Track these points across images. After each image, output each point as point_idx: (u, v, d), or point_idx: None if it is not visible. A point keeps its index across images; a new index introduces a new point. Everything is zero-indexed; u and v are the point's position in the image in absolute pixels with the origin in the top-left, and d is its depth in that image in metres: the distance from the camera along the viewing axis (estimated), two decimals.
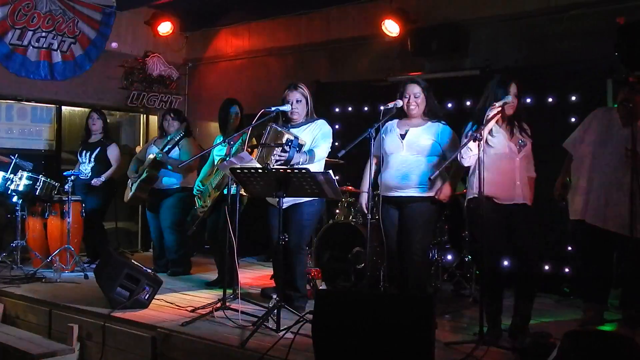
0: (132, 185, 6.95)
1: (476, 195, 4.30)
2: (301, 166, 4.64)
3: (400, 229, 4.81)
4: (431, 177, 4.38)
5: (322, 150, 5.09)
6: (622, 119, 4.79)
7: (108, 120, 7.83)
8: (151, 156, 6.75)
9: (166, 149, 6.71)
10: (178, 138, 6.67)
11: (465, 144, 4.31)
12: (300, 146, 4.93)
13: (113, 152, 7.48)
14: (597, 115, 5.02)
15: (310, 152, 5.00)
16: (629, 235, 4.48)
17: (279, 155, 4.85)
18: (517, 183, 4.38)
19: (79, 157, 7.49)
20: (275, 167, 4.69)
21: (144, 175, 6.75)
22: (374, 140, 4.57)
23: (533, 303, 4.48)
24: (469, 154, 4.34)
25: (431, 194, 4.73)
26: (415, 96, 4.78)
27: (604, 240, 4.84)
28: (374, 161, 4.85)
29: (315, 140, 5.08)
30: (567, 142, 5.10)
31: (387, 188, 4.81)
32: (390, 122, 4.89)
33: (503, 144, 4.40)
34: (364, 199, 5.00)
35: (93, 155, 7.38)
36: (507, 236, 4.42)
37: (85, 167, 7.38)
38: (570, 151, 5.06)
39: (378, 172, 4.86)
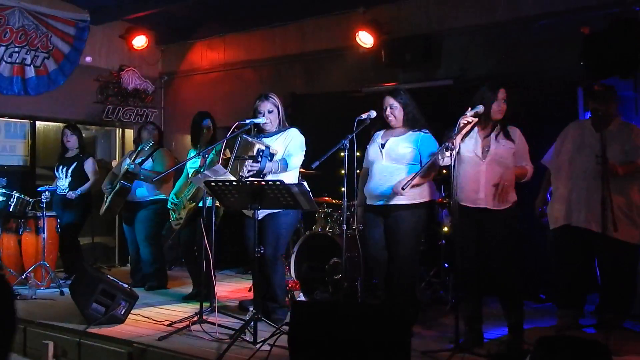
0: (106, 198, 6.91)
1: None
2: (275, 178, 4.65)
3: (386, 238, 4.88)
4: (403, 188, 4.41)
5: (296, 159, 5.11)
6: (594, 126, 4.94)
7: (84, 135, 7.79)
8: (124, 168, 6.73)
9: (139, 160, 6.69)
10: (148, 148, 6.66)
11: (437, 153, 4.38)
12: (272, 155, 4.95)
13: (90, 166, 7.43)
14: (571, 127, 5.20)
15: (284, 160, 5.02)
16: (609, 237, 4.57)
17: (250, 166, 4.85)
18: (480, 188, 4.40)
19: (55, 173, 7.43)
20: (250, 179, 4.69)
21: (117, 187, 6.71)
22: (347, 151, 4.61)
23: (520, 311, 4.46)
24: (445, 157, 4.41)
25: (413, 200, 4.79)
26: (391, 107, 4.88)
27: (583, 246, 4.91)
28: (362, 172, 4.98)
29: (288, 149, 5.10)
30: (544, 159, 5.23)
31: (370, 197, 4.92)
32: (378, 132, 5.00)
33: (469, 148, 4.45)
34: (359, 213, 5.07)
35: (70, 170, 7.33)
36: (477, 241, 4.44)
37: (63, 182, 7.32)
38: (548, 166, 5.19)
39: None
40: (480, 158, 4.43)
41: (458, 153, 4.44)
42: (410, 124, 4.90)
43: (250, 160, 4.86)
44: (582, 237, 4.88)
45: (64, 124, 7.85)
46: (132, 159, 6.74)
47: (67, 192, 7.21)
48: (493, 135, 4.44)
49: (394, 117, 4.88)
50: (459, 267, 4.44)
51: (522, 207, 4.64)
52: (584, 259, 5.02)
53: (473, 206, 4.42)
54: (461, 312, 4.38)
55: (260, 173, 4.86)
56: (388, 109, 4.88)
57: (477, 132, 4.48)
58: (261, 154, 4.85)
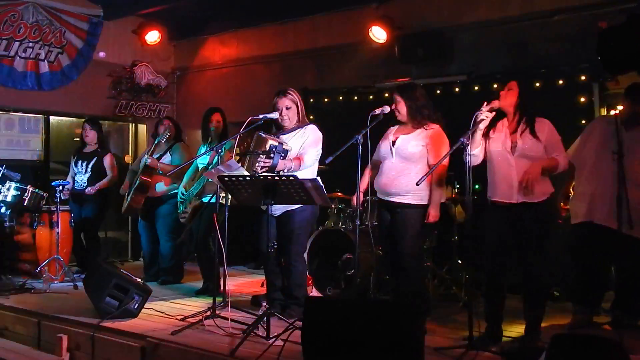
0: (127, 195, 6.93)
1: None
2: (289, 173, 4.65)
3: (390, 235, 4.88)
4: (418, 184, 4.39)
5: (310, 156, 5.08)
6: (625, 124, 4.85)
7: (102, 131, 7.80)
8: (143, 163, 6.75)
9: (157, 155, 6.71)
10: (164, 141, 6.69)
11: (453, 150, 4.37)
12: (286, 152, 4.92)
13: (108, 162, 7.44)
14: (598, 122, 5.14)
15: (297, 161, 5.01)
16: (626, 235, 4.55)
17: (263, 162, 4.84)
18: (513, 183, 4.38)
19: (74, 168, 7.43)
20: (263, 174, 4.69)
21: (137, 183, 6.74)
22: (361, 147, 4.59)
23: (542, 308, 4.44)
24: (474, 154, 4.40)
25: (420, 201, 4.80)
26: (396, 102, 4.92)
27: (603, 244, 4.87)
28: (374, 164, 4.99)
29: (304, 147, 5.08)
30: (567, 152, 5.16)
31: (380, 192, 4.97)
32: (393, 127, 5.04)
33: (498, 145, 4.44)
34: (356, 198, 4.99)
35: (90, 166, 7.34)
36: (511, 238, 4.41)
37: (82, 177, 7.33)
38: (571, 160, 5.13)
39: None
40: (509, 153, 4.40)
41: (487, 149, 4.48)
42: (416, 119, 4.89)
43: (263, 156, 4.84)
44: (602, 234, 4.84)
45: (82, 118, 7.84)
46: (149, 153, 6.76)
47: (86, 187, 7.23)
48: (519, 130, 4.41)
49: (400, 113, 4.92)
50: (485, 264, 4.41)
51: None
52: (603, 257, 4.99)
53: (507, 202, 4.39)
54: (476, 309, 4.35)
55: (272, 169, 4.85)
56: (394, 105, 4.93)
57: (505, 128, 4.47)
58: (274, 150, 4.83)
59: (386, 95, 7.07)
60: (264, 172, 4.81)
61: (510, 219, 4.39)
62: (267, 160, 4.83)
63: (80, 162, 7.41)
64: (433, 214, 4.82)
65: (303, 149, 5.07)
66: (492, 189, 4.48)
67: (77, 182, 7.31)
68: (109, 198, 7.53)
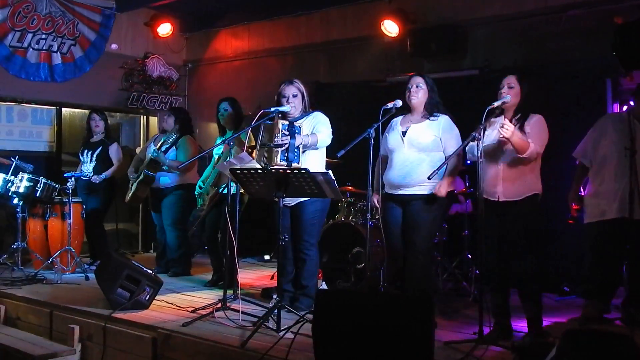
0: (131, 185, 6.98)
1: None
2: (301, 166, 4.65)
3: (403, 227, 4.82)
4: (430, 178, 4.38)
5: (324, 135, 5.07)
6: (638, 119, 4.81)
7: (108, 122, 7.85)
8: (148, 156, 6.77)
9: (163, 148, 6.74)
10: (173, 139, 6.71)
11: (466, 143, 4.36)
12: (299, 128, 4.92)
13: (114, 151, 7.49)
14: (610, 120, 5.10)
15: (314, 135, 5.00)
16: None
17: (281, 140, 4.79)
18: (498, 181, 4.40)
19: (80, 157, 7.49)
20: (275, 167, 4.70)
21: (141, 176, 6.77)
22: (373, 140, 4.57)
23: (536, 304, 4.44)
24: (472, 151, 4.40)
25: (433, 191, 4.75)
26: (417, 86, 4.81)
27: (620, 239, 4.85)
28: (385, 160, 4.93)
29: (315, 128, 5.07)
30: (577, 151, 5.14)
31: (390, 186, 4.86)
32: (395, 118, 4.94)
33: (491, 141, 4.43)
34: (374, 197, 4.97)
35: (95, 154, 7.38)
36: (499, 233, 4.43)
37: (87, 166, 7.38)
38: (581, 160, 5.11)
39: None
40: (499, 150, 4.41)
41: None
42: (430, 108, 4.82)
43: (279, 136, 4.80)
44: (619, 229, 4.82)
45: (90, 110, 7.88)
46: (158, 146, 6.78)
47: (92, 176, 7.26)
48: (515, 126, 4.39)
49: (417, 97, 4.81)
50: (482, 259, 4.42)
51: (545, 200, 4.60)
52: (618, 255, 4.97)
53: (491, 199, 4.42)
54: (485, 303, 4.35)
55: (293, 147, 4.81)
56: (414, 86, 4.81)
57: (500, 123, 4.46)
58: (287, 129, 4.81)
59: (398, 89, 7.05)
60: (285, 149, 4.79)
61: (497, 216, 4.40)
62: (285, 138, 4.81)
63: (86, 151, 7.45)
64: (442, 189, 4.66)
65: (316, 130, 5.06)
66: (483, 184, 4.42)
67: (83, 171, 7.35)
68: (116, 189, 7.57)
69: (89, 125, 7.59)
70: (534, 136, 4.34)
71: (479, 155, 4.25)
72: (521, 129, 4.36)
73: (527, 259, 4.38)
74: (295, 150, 4.84)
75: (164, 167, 6.72)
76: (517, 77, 4.46)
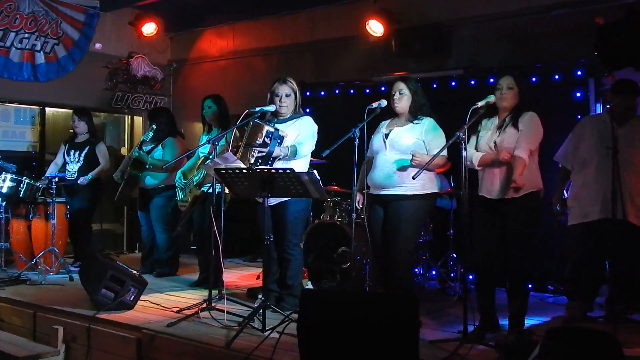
0: (120, 185, 6.95)
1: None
2: (285, 166, 4.64)
3: (385, 227, 4.84)
4: (414, 177, 4.39)
5: (306, 147, 5.09)
6: (616, 120, 4.83)
7: (93, 121, 7.77)
8: (133, 156, 6.76)
9: (148, 147, 6.71)
10: (149, 140, 6.72)
11: (450, 143, 4.39)
12: (282, 138, 4.92)
13: (101, 150, 7.43)
14: (588, 122, 5.15)
15: (293, 147, 5.00)
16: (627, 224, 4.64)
17: (258, 151, 4.83)
18: (495, 179, 4.44)
19: (65, 157, 7.42)
20: (260, 167, 4.69)
21: (126, 175, 6.76)
22: (357, 140, 4.59)
23: (524, 302, 4.48)
24: (470, 158, 4.48)
25: (415, 192, 4.75)
26: (400, 92, 4.83)
27: (603, 239, 4.89)
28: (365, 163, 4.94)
29: (300, 137, 5.07)
30: (558, 155, 5.19)
31: (374, 187, 4.88)
32: (384, 121, 4.97)
33: (485, 140, 4.50)
34: (358, 198, 5.00)
35: (82, 154, 7.32)
36: (494, 232, 4.47)
37: (73, 166, 7.31)
38: (563, 164, 5.15)
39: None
40: (491, 149, 4.47)
41: (476, 146, 4.55)
42: (414, 111, 4.84)
43: (259, 147, 4.83)
44: (602, 230, 4.85)
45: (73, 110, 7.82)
46: (139, 147, 6.75)
47: (77, 176, 7.19)
48: (504, 125, 4.44)
49: (400, 104, 4.83)
50: (473, 257, 4.45)
51: None
52: (603, 252, 5.02)
53: (489, 197, 4.48)
54: (470, 302, 4.37)
55: (269, 157, 4.84)
56: (397, 93, 4.84)
57: (495, 124, 4.50)
58: (270, 136, 4.82)
59: (383, 89, 7.07)
60: (260, 157, 4.79)
61: (493, 213, 4.45)
62: (263, 149, 4.82)
63: (72, 151, 7.39)
64: (422, 162, 4.55)
65: (299, 140, 5.06)
66: (480, 183, 4.57)
67: (69, 171, 7.30)
68: (101, 189, 7.53)
69: (72, 127, 7.55)
70: (522, 139, 4.37)
71: (465, 155, 4.29)
72: (514, 126, 4.41)
73: (524, 257, 4.41)
74: (270, 160, 4.85)
75: (148, 167, 6.69)
76: (514, 78, 4.49)
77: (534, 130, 4.44)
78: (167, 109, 8.27)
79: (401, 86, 4.85)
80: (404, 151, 4.74)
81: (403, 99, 4.83)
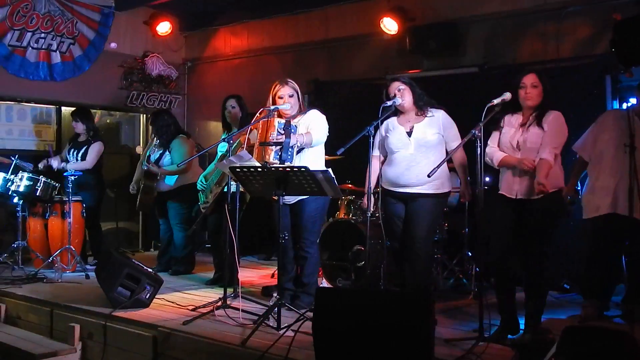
0: (138, 193, 7.03)
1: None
2: (300, 165, 4.64)
3: (405, 224, 4.85)
4: (429, 175, 4.37)
5: (320, 133, 5.06)
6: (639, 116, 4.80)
7: (107, 121, 7.83)
8: (143, 169, 6.87)
9: (156, 154, 6.80)
10: (157, 144, 6.81)
11: (465, 140, 4.37)
12: (295, 127, 4.94)
13: (94, 149, 7.39)
14: (612, 116, 5.10)
15: (308, 133, 4.99)
16: None
17: (275, 143, 4.82)
18: (515, 178, 4.41)
19: (67, 156, 7.48)
20: (274, 165, 4.70)
21: (142, 186, 6.89)
22: (372, 138, 4.59)
23: (542, 301, 4.45)
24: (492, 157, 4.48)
25: (437, 190, 4.78)
26: (399, 90, 4.85)
27: (620, 236, 4.85)
28: (377, 160, 4.92)
29: (310, 127, 5.06)
30: (577, 145, 5.14)
31: (392, 184, 4.87)
32: (389, 119, 4.93)
33: (507, 139, 4.47)
34: (365, 199, 4.99)
35: (80, 154, 7.39)
36: (513, 230, 4.44)
37: (70, 165, 7.35)
38: (580, 154, 5.11)
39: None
40: (514, 148, 4.43)
41: (499, 143, 4.53)
42: (420, 104, 4.86)
43: (274, 147, 4.83)
44: (613, 224, 4.82)
45: (94, 109, 7.81)
46: (146, 159, 6.81)
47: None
48: (528, 123, 4.41)
49: (405, 99, 4.84)
50: (489, 257, 4.43)
51: None
52: (617, 253, 4.98)
53: (509, 195, 4.45)
54: (485, 301, 4.35)
55: (287, 147, 4.82)
56: (397, 91, 4.85)
57: (518, 122, 4.47)
58: (282, 127, 4.82)
59: None
60: (279, 149, 4.81)
61: (513, 212, 4.42)
62: (280, 137, 4.83)
63: (72, 150, 7.47)
64: (468, 193, 4.86)
65: (310, 127, 5.05)
66: (500, 181, 4.54)
67: (69, 170, 7.33)
68: (104, 187, 7.64)
69: None
70: (547, 140, 4.34)
71: (480, 152, 4.26)
72: (539, 125, 4.38)
73: (544, 256, 4.38)
74: (290, 149, 4.84)
75: (158, 178, 6.79)
76: (538, 75, 4.45)
77: (559, 131, 4.40)
78: (166, 110, 8.30)
79: (397, 84, 4.89)
80: (430, 147, 4.77)
81: (405, 94, 4.84)
